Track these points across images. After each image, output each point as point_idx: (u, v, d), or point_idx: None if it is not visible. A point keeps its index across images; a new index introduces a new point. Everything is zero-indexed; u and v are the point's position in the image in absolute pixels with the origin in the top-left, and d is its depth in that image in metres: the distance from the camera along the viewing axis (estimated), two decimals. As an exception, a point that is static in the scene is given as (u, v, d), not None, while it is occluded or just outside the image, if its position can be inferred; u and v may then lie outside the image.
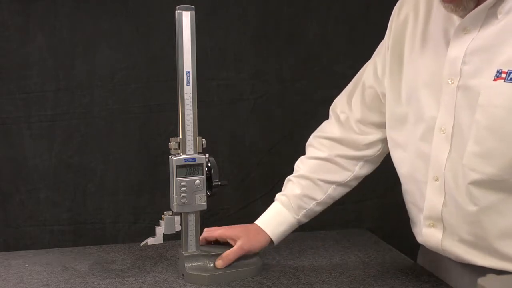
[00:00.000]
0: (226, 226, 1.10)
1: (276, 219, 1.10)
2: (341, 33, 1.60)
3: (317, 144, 1.13)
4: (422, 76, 0.95)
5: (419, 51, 0.96)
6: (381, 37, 1.12)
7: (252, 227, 1.09)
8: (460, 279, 0.99)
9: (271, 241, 1.09)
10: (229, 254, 1.05)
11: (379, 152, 1.11)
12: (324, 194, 1.11)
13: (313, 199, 1.10)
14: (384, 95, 1.05)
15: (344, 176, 1.12)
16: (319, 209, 1.12)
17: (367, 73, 1.10)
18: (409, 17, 1.00)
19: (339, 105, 1.15)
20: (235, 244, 1.06)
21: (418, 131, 0.96)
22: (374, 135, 1.10)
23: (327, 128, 1.15)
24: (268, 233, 1.08)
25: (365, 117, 1.10)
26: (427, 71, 0.94)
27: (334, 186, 1.11)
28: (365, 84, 1.09)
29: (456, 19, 0.90)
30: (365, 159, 1.12)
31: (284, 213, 1.10)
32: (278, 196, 1.12)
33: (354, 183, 1.14)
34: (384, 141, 1.09)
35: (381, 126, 1.08)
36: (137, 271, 1.08)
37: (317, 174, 1.11)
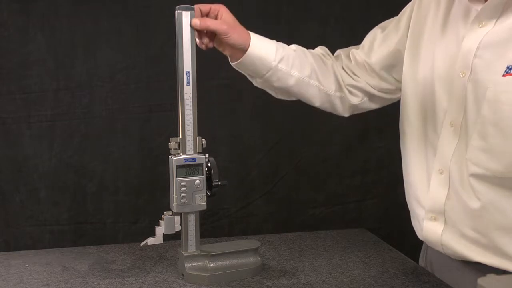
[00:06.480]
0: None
1: (265, 43, 1.02)
2: (341, 33, 1.60)
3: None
4: (438, 69, 0.94)
5: (437, 44, 0.96)
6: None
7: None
8: (460, 279, 0.99)
9: (245, 51, 0.99)
10: (208, 20, 0.96)
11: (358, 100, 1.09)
12: (307, 77, 1.04)
13: (298, 70, 1.03)
14: (368, 64, 1.08)
15: (330, 84, 1.07)
16: (291, 83, 1.03)
17: (365, 42, 1.11)
18: (430, 8, 0.99)
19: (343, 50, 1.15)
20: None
21: (429, 123, 0.96)
22: (359, 82, 1.08)
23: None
24: (252, 37, 1.00)
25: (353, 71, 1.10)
26: (442, 63, 0.94)
27: (317, 83, 1.05)
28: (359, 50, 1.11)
29: (474, 12, 0.89)
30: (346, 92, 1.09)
31: (271, 50, 1.01)
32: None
33: (326, 102, 1.08)
34: (365, 93, 1.08)
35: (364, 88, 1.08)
36: (137, 271, 1.08)
37: (316, 64, 1.06)
